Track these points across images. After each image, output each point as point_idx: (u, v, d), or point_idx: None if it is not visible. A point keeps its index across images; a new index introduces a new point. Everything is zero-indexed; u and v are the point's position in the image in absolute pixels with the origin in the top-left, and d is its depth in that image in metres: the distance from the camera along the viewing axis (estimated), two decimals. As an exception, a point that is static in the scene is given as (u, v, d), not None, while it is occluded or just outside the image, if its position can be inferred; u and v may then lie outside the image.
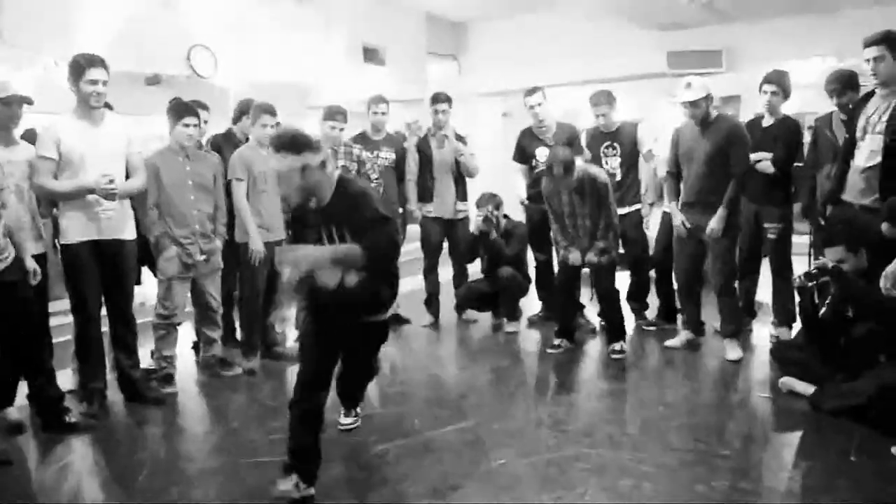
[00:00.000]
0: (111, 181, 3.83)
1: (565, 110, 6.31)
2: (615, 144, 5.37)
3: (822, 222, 4.37)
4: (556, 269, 5.79)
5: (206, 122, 4.93)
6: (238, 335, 5.29)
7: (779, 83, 4.83)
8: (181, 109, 4.43)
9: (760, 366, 4.60)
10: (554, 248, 5.68)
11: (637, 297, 5.57)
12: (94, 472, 3.44)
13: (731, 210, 4.57)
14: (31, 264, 3.66)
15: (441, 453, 3.44)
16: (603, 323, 5.26)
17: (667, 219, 5.08)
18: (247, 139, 5.03)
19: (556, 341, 5.05)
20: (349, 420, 3.75)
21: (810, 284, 3.89)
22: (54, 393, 3.82)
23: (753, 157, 4.72)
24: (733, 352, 4.69)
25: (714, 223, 4.56)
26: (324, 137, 5.02)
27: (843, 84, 4.48)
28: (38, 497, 3.16)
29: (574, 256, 4.91)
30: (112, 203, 3.93)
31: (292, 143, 2.87)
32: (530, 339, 5.53)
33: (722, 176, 4.57)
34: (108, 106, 4.11)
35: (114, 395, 4.25)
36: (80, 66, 3.84)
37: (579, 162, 4.88)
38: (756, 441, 3.55)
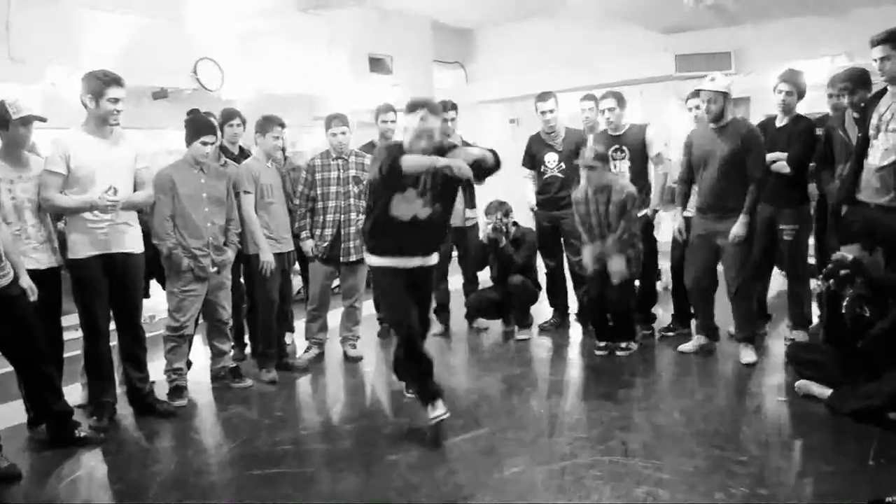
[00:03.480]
0: (115, 191, 3.82)
1: (572, 116, 6.28)
2: (623, 147, 5.32)
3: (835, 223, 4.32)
4: (566, 275, 5.78)
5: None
6: (248, 347, 5.30)
7: (793, 83, 4.77)
8: (202, 127, 4.41)
9: (776, 369, 4.55)
10: (565, 255, 5.66)
11: (643, 308, 5.45)
12: (105, 486, 3.43)
13: (752, 215, 4.54)
14: (26, 282, 3.62)
15: (455, 462, 3.41)
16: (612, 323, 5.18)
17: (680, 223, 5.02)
18: (240, 149, 5.21)
19: (602, 343, 5.03)
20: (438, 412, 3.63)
21: (830, 282, 3.85)
22: (61, 408, 3.79)
23: (768, 157, 4.67)
24: (748, 355, 4.63)
25: (737, 229, 4.50)
26: (331, 145, 5.05)
27: (855, 82, 4.44)
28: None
29: (587, 253, 4.97)
30: (109, 215, 3.90)
31: (440, 108, 3.65)
32: (542, 347, 5.49)
33: (738, 181, 4.52)
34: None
35: (124, 408, 4.24)
36: (101, 85, 3.84)
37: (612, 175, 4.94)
38: (773, 446, 3.50)
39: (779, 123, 4.84)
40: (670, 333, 5.34)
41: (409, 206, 3.61)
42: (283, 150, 5.36)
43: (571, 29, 9.40)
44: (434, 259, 3.90)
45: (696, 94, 5.17)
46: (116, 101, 3.87)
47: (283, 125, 4.83)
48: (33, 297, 3.63)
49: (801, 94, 4.80)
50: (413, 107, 3.56)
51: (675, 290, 5.36)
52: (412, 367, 3.78)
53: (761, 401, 4.09)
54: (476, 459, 3.43)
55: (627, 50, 9.02)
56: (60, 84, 5.52)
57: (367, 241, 3.86)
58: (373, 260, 3.82)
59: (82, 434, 3.78)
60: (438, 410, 3.59)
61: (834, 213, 4.45)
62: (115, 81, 3.88)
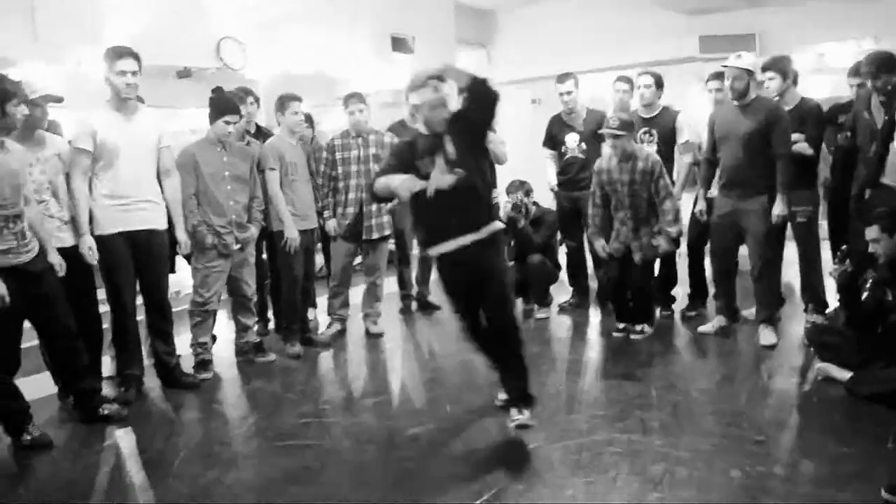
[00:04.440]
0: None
1: (593, 97, 6.27)
2: (653, 131, 5.29)
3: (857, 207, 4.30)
4: (587, 256, 5.78)
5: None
6: (271, 322, 5.37)
7: (775, 68, 4.74)
8: (225, 106, 4.44)
9: (795, 351, 4.54)
10: (585, 236, 5.66)
11: (663, 289, 5.45)
12: (132, 456, 3.49)
13: (787, 193, 4.50)
14: (55, 258, 3.67)
15: (473, 438, 3.45)
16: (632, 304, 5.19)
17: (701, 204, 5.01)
18: (257, 128, 5.24)
19: (621, 325, 5.02)
20: (522, 416, 3.51)
21: (846, 263, 3.85)
22: (87, 385, 3.85)
23: None
24: (768, 337, 4.63)
25: (778, 209, 4.49)
26: (349, 124, 5.10)
27: (880, 66, 4.38)
28: (77, 481, 3.22)
29: (599, 245, 4.95)
30: (133, 191, 4.02)
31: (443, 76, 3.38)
32: (561, 325, 5.52)
33: (762, 158, 4.49)
34: (139, 99, 4.16)
35: (151, 380, 4.34)
36: (110, 58, 3.91)
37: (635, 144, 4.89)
38: (791, 427, 3.51)
39: (787, 107, 4.79)
40: (691, 313, 5.34)
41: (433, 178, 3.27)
42: (312, 126, 5.40)
43: (594, 10, 9.34)
44: (483, 233, 3.37)
45: (717, 76, 5.15)
46: (124, 73, 3.89)
47: (299, 100, 4.87)
48: (61, 273, 3.69)
49: (785, 77, 4.75)
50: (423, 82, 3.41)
51: (691, 269, 5.36)
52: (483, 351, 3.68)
53: (780, 382, 4.08)
54: (494, 435, 3.47)
55: (650, 31, 8.95)
56: (85, 64, 5.57)
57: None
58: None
59: (105, 412, 3.82)
60: (521, 416, 3.49)
61: (858, 197, 4.42)
62: (124, 54, 3.92)
